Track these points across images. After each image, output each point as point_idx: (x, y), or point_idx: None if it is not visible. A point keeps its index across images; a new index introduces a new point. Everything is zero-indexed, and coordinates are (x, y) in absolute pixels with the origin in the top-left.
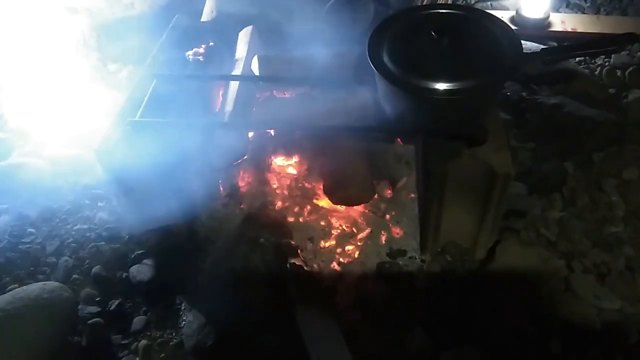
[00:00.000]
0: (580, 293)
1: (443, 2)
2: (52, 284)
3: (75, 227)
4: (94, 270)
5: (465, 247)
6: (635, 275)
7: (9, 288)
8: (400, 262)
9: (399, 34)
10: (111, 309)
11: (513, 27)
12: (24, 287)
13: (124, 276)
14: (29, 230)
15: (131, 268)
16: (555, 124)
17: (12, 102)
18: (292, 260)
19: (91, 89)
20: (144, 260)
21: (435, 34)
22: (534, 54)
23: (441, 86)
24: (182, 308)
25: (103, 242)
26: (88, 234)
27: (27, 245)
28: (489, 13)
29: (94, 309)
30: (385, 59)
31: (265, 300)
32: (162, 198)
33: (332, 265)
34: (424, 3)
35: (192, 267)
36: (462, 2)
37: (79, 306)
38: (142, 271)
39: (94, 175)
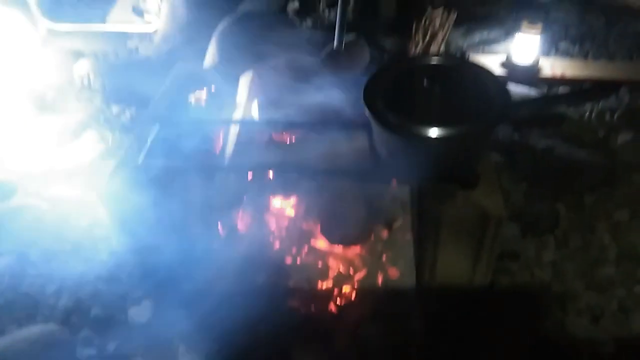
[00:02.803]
0: (575, 335)
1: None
2: (50, 327)
3: (75, 268)
4: (92, 311)
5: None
6: (629, 315)
7: (8, 329)
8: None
9: (393, 82)
10: (109, 351)
11: (504, 72)
12: (23, 330)
13: (122, 317)
14: (29, 271)
15: (130, 309)
16: (547, 166)
17: (13, 146)
18: (289, 302)
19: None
20: (143, 302)
21: (427, 82)
22: (521, 103)
23: (434, 132)
24: (180, 351)
25: (102, 283)
26: (87, 275)
27: (27, 287)
28: (479, 63)
29: (91, 351)
30: (381, 105)
31: (264, 344)
32: (163, 239)
33: (329, 307)
34: (418, 52)
35: (191, 310)
36: (454, 47)
37: (77, 348)
38: (140, 313)
39: (95, 217)
